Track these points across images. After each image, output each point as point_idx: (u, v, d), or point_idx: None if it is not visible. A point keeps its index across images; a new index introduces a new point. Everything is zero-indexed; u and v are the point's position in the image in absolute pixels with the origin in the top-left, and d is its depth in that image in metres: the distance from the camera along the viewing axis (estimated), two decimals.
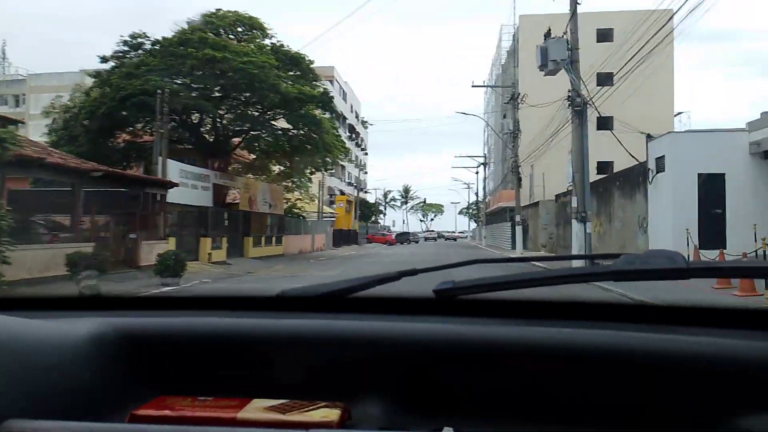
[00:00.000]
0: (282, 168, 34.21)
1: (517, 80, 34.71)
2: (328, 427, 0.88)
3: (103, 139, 24.91)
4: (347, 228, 55.64)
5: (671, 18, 17.54)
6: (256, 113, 28.32)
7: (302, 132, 28.54)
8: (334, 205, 56.19)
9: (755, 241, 13.56)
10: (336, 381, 1.04)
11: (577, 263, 10.90)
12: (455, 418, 0.96)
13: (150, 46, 25.96)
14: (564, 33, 18.10)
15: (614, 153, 30.41)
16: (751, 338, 0.95)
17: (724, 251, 14.07)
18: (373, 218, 79.30)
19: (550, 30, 18.83)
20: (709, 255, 13.87)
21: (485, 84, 49.41)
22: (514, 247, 34.31)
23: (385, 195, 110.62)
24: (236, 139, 29.61)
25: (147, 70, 23.60)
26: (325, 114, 29.58)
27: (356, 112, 74.98)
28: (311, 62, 28.98)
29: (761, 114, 16.81)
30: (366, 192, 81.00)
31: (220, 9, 27.84)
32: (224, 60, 23.78)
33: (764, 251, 11.96)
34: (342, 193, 61.39)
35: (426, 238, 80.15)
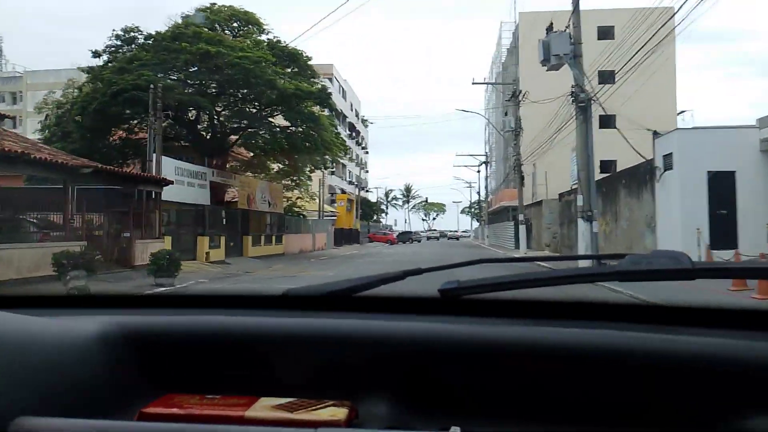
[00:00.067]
0: (281, 166, 33.69)
1: (518, 78, 34.24)
2: (336, 426, 0.88)
3: (97, 135, 24.29)
4: (348, 227, 55.33)
5: (673, 16, 17.18)
6: (254, 110, 27.82)
7: (300, 129, 27.99)
8: (335, 204, 55.80)
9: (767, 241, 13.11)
10: (342, 380, 1.04)
11: (582, 263, 10.53)
12: (461, 418, 0.96)
13: (143, 41, 25.45)
14: (566, 27, 17.69)
15: (617, 152, 30.09)
16: (755, 339, 0.95)
17: (739, 252, 13.57)
18: (374, 217, 78.95)
19: (552, 24, 18.39)
20: (722, 255, 13.41)
21: (486, 81, 48.86)
22: (517, 246, 33.85)
23: (387, 194, 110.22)
24: (234, 137, 29.13)
25: (140, 65, 23.06)
26: (323, 111, 29.10)
27: (356, 111, 74.53)
28: (309, 58, 28.50)
29: None
30: (367, 191, 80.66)
31: (214, 3, 27.36)
32: (219, 55, 23.27)
33: None
34: (343, 191, 60.97)
35: (428, 238, 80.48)
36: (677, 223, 16.41)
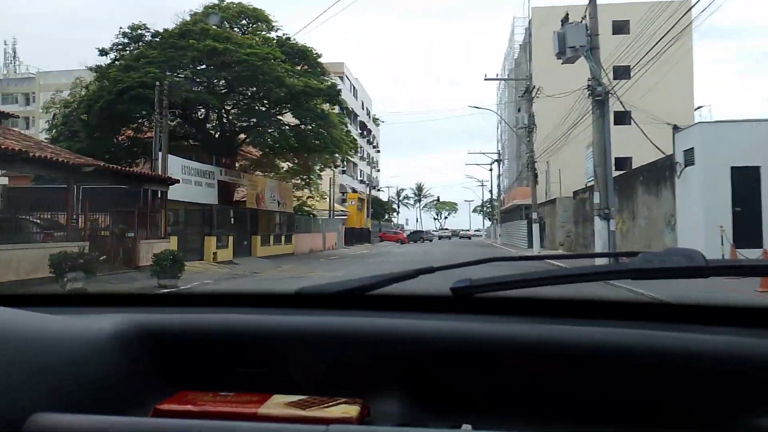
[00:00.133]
0: (291, 165, 33.27)
1: (531, 73, 33.60)
2: (348, 423, 0.88)
3: (103, 134, 23.98)
4: (359, 226, 54.96)
5: (689, 10, 16.58)
6: (263, 108, 27.41)
7: (310, 127, 27.54)
8: (346, 203, 55.41)
9: None
10: (354, 377, 1.04)
11: (595, 262, 10.16)
12: (473, 416, 0.97)
13: (150, 38, 25.09)
14: (582, 18, 17.13)
15: (632, 149, 29.48)
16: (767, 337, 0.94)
17: (767, 250, 12.92)
18: (386, 216, 78.50)
19: (567, 15, 17.85)
20: (748, 254, 12.78)
21: (498, 77, 48.16)
22: (530, 245, 33.22)
23: (398, 193, 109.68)
24: (243, 135, 28.74)
25: (146, 63, 22.69)
26: (333, 108, 28.64)
27: (367, 109, 74.07)
28: (319, 55, 28.06)
29: None
30: (379, 190, 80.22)
31: (223, 0, 26.97)
32: (226, 51, 22.86)
33: None
34: (354, 191, 60.54)
35: (440, 237, 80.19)
36: (699, 220, 15.76)
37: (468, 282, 1.06)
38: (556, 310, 1.07)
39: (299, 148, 28.37)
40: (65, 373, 0.90)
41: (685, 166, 16.66)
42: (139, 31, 25.34)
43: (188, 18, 25.44)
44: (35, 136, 29.43)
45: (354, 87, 65.63)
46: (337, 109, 29.32)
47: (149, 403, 0.94)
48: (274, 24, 28.08)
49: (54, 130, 25.96)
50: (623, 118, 27.74)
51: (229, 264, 22.81)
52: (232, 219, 26.16)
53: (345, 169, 56.22)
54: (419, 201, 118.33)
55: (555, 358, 0.98)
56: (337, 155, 31.02)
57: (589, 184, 24.70)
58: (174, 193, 20.55)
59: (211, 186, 24.70)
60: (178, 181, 20.47)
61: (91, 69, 26.41)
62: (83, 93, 25.48)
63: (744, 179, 15.44)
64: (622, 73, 23.72)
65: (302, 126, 27.67)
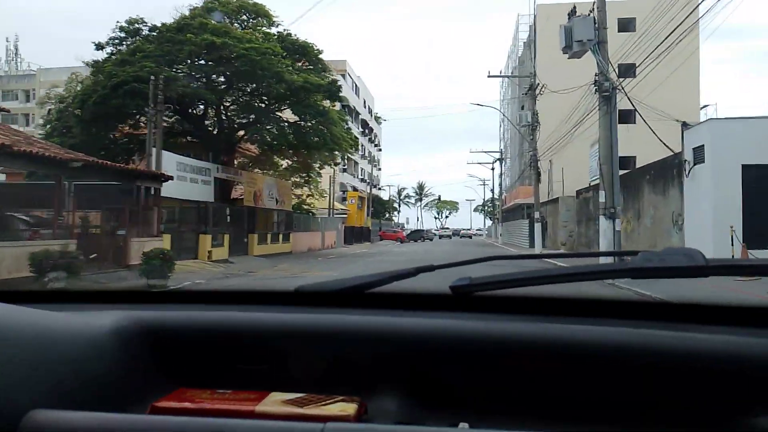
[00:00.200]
0: (290, 162, 32.74)
1: (535, 71, 33.09)
2: (345, 421, 0.88)
3: (98, 129, 23.47)
4: (359, 225, 54.45)
5: (696, 8, 16.09)
6: (262, 104, 26.90)
7: (310, 124, 27.01)
8: (346, 202, 54.91)
9: None
10: (352, 376, 1.04)
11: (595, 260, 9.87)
12: (470, 414, 0.96)
13: (147, 32, 24.57)
14: (590, 11, 16.64)
15: (637, 148, 28.96)
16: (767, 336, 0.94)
17: None
18: (387, 215, 77.98)
19: (575, 8, 17.30)
20: (759, 255, 12.26)
21: (501, 74, 47.59)
22: (532, 245, 32.71)
23: (400, 192, 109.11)
24: (241, 132, 28.23)
25: (142, 57, 22.17)
26: (334, 105, 28.11)
27: (369, 107, 73.54)
28: (320, 51, 27.56)
29: None
30: (379, 188, 79.68)
31: None
32: (225, 46, 22.35)
33: None
34: (354, 189, 60.02)
35: (441, 236, 79.85)
36: (708, 220, 15.23)
37: (468, 280, 1.06)
38: (556, 308, 1.06)
39: (299, 145, 27.87)
40: (64, 370, 0.90)
41: (695, 164, 16.12)
42: (136, 25, 24.84)
43: (187, 13, 24.91)
44: (34, 132, 29.06)
45: (356, 85, 65.11)
46: (338, 106, 28.77)
47: (148, 401, 0.94)
48: (274, 19, 27.61)
49: (48, 126, 25.47)
50: (627, 116, 27.26)
51: (224, 263, 22.31)
52: (229, 217, 25.65)
53: (345, 167, 55.70)
54: (420, 200, 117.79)
55: (554, 357, 0.97)
56: (337, 153, 30.48)
57: (593, 183, 24.19)
58: (168, 190, 20.02)
59: (207, 183, 24.20)
60: (171, 178, 19.94)
61: (87, 64, 25.93)
62: (78, 88, 24.93)
63: (755, 177, 14.91)
64: (626, 70, 23.22)
65: (302, 123, 27.17)
